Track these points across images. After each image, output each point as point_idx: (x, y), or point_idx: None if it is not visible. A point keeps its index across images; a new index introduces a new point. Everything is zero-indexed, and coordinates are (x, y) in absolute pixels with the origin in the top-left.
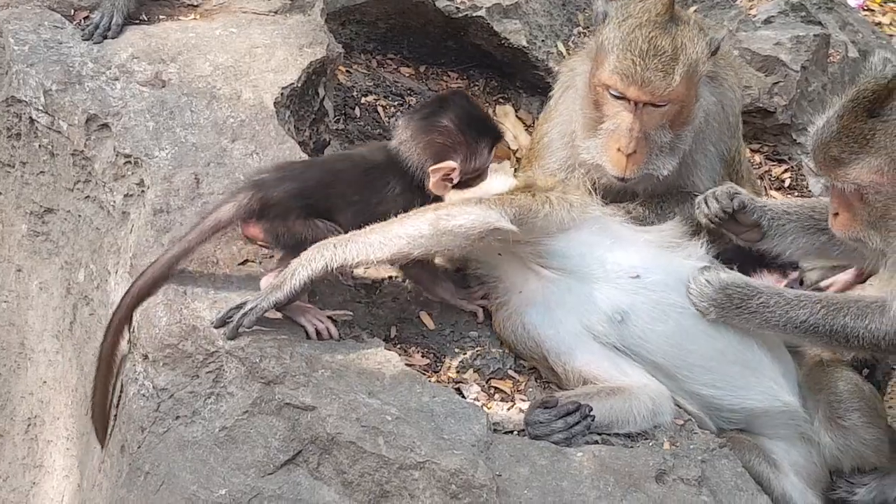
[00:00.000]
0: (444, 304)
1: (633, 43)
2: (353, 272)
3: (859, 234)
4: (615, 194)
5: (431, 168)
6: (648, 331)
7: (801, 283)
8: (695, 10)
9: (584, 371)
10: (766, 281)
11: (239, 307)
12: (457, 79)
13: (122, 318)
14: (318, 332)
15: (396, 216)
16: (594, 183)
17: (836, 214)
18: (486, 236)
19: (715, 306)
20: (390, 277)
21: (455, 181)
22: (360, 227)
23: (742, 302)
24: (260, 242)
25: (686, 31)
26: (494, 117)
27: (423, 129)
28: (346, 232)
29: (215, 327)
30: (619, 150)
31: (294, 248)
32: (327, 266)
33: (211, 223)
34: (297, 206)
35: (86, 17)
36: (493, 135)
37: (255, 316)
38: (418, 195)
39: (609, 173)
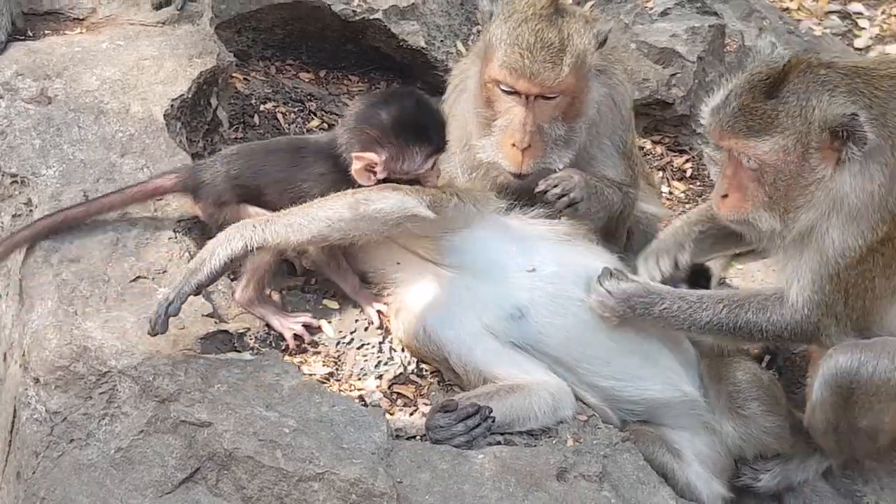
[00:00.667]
0: (342, 313)
1: (519, 37)
2: (303, 264)
3: (748, 216)
4: (515, 193)
5: (355, 154)
6: (547, 325)
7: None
8: (591, 5)
9: (485, 370)
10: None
11: (162, 302)
12: (357, 82)
13: (28, 237)
14: (294, 336)
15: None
16: (493, 183)
17: (724, 196)
18: (403, 222)
19: (617, 316)
20: (288, 288)
21: (378, 176)
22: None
23: (645, 310)
24: None
25: (572, 22)
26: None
27: (361, 116)
28: None
29: (152, 335)
30: (513, 145)
31: None
32: (246, 246)
33: (152, 186)
34: (227, 189)
35: None
36: (432, 144)
37: (180, 302)
38: (343, 180)
39: (506, 170)
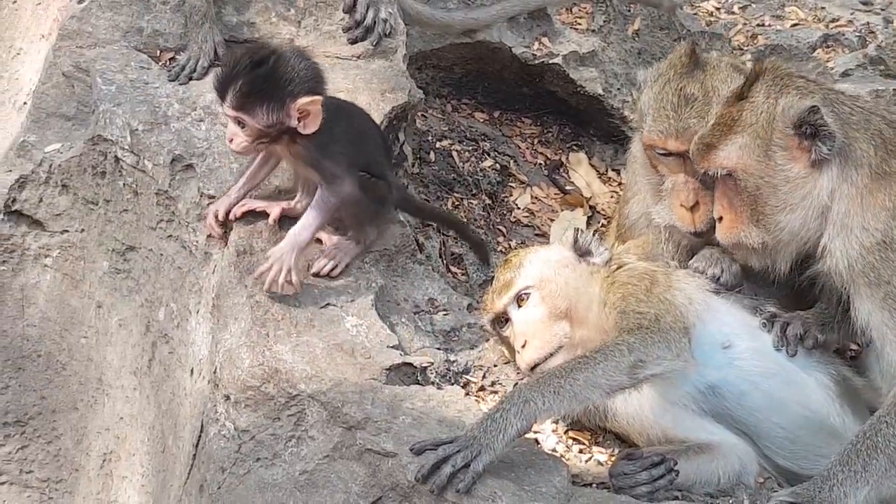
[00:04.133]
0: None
1: (664, 98)
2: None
3: (742, 237)
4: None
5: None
6: (737, 400)
7: None
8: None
9: (669, 433)
10: None
11: (445, 459)
12: (530, 125)
13: None
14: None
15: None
16: (679, 247)
17: (720, 219)
18: None
19: None
20: (469, 325)
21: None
22: None
23: None
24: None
25: (716, 73)
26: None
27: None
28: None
29: (420, 483)
30: (682, 205)
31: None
32: (534, 422)
33: None
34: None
35: (171, 59)
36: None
37: (472, 480)
38: None
39: (683, 230)
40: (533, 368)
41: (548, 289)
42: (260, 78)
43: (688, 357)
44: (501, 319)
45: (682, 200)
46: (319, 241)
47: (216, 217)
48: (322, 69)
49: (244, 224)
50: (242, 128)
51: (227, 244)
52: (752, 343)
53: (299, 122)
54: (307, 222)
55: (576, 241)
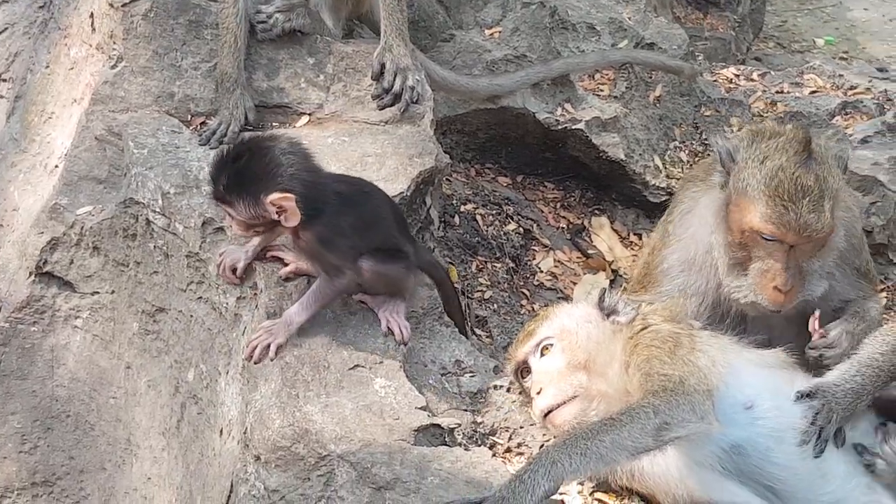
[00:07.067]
0: None
1: (779, 187)
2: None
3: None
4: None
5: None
6: (762, 458)
7: None
8: (779, 119)
9: (695, 494)
10: None
11: None
12: (553, 189)
13: None
14: (391, 331)
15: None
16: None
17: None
18: None
19: None
20: (495, 386)
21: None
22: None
23: None
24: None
25: (823, 163)
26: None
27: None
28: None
29: None
30: (775, 287)
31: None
32: (561, 483)
33: None
34: None
35: (202, 123)
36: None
37: None
38: None
39: (767, 309)
40: (546, 416)
41: (569, 340)
42: (235, 172)
43: (712, 419)
44: (523, 370)
45: (779, 284)
46: (363, 302)
47: (233, 271)
48: (309, 163)
49: (275, 286)
50: (231, 217)
51: (257, 306)
52: (775, 402)
53: (279, 216)
54: (303, 308)
55: (602, 299)
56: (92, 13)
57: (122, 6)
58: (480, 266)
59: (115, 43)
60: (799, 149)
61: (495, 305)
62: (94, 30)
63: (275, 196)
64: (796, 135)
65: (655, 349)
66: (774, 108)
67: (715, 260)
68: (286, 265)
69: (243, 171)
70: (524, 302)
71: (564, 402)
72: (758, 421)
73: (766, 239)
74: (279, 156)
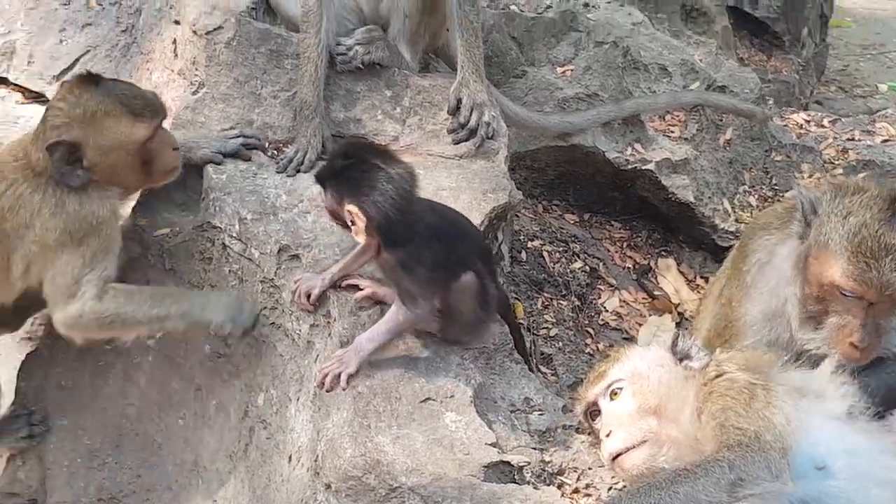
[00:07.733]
0: None
1: (863, 244)
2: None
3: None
4: None
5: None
6: None
7: None
8: (864, 177)
9: None
10: None
11: None
12: (620, 228)
13: None
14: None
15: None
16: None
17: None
18: None
19: None
20: (564, 426)
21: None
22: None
23: None
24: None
25: None
26: None
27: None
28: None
29: None
30: (851, 343)
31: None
32: None
33: None
34: None
35: (279, 151)
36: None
37: None
38: None
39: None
40: (615, 459)
41: (640, 384)
42: (338, 167)
43: (787, 479)
44: (593, 411)
45: (856, 341)
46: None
47: (307, 297)
48: (404, 197)
49: (349, 315)
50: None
51: (330, 334)
52: (848, 462)
53: (352, 223)
54: (374, 335)
55: (675, 343)
56: (175, 39)
57: (206, 34)
58: (546, 303)
59: (197, 69)
60: (884, 206)
61: (560, 343)
62: (176, 56)
63: (352, 208)
64: (881, 192)
65: (731, 399)
66: (846, 156)
67: (789, 311)
68: (361, 290)
69: (342, 171)
70: (588, 341)
71: (634, 447)
72: (828, 481)
73: (845, 295)
74: (378, 179)
